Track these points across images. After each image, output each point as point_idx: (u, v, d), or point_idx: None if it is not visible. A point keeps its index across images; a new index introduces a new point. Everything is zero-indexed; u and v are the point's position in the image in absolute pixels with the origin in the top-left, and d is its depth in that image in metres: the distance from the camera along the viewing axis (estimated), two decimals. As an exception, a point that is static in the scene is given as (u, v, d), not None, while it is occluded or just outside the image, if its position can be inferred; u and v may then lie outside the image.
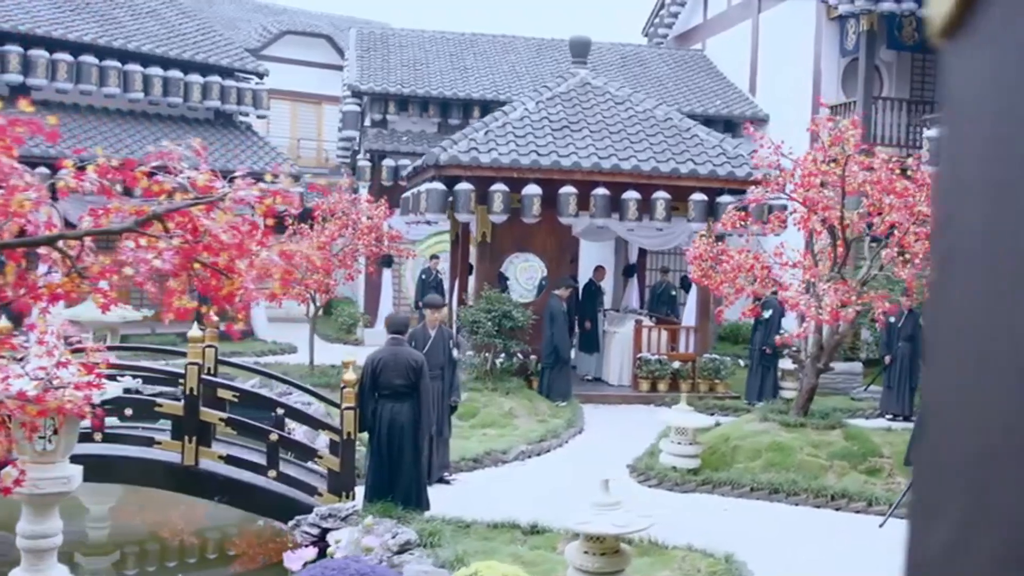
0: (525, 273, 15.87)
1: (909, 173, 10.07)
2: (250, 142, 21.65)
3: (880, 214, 10.35)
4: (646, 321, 16.65)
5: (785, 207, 11.74)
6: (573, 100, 16.29)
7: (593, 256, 21.82)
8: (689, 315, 16.34)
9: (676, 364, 15.70)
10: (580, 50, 17.16)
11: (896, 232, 10.36)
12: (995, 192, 0.94)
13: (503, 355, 14.41)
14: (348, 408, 8.93)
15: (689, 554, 8.06)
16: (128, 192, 6.19)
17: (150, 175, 5.52)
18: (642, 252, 20.08)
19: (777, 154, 10.52)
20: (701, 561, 7.92)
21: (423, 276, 20.78)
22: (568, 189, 14.60)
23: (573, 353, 17.18)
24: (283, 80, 31.74)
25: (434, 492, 10.14)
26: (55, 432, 6.99)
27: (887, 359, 14.46)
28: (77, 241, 5.00)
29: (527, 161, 14.61)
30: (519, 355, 14.67)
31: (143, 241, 4.92)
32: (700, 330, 16.13)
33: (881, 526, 8.10)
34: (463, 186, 14.50)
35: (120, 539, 11.86)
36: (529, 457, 11.81)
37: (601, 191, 14.73)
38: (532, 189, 14.57)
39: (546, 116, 15.71)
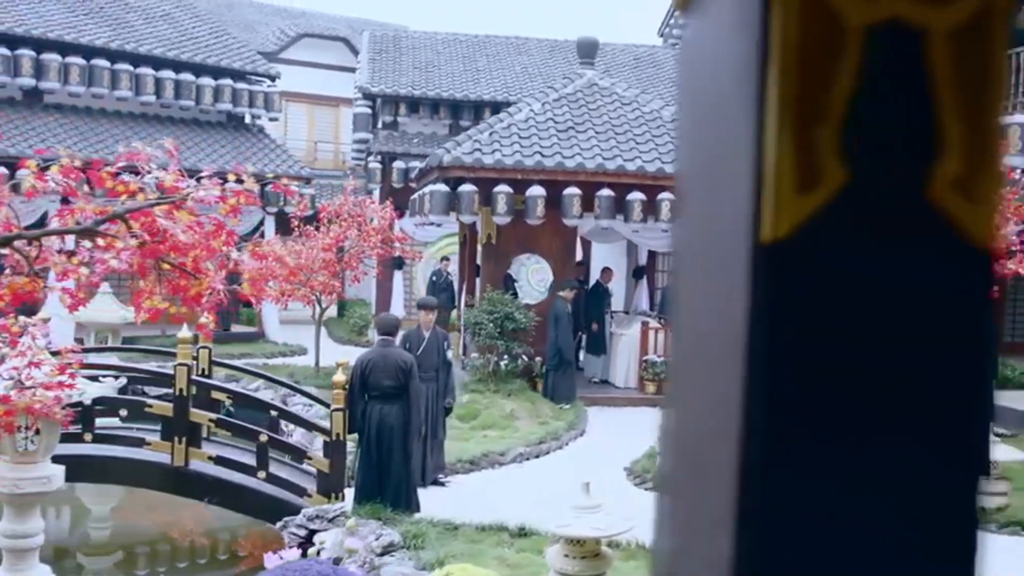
0: (537, 275, 15.82)
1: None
2: (261, 144, 21.74)
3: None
4: (652, 323, 16.54)
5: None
6: (579, 101, 16.23)
7: (604, 258, 21.74)
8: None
9: (682, 366, 15.56)
10: (588, 51, 17.10)
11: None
12: (704, 175, 0.89)
13: (507, 357, 14.37)
14: (337, 409, 8.92)
15: (676, 558, 7.96)
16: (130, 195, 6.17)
17: (116, 175, 5.52)
18: (652, 254, 19.98)
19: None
20: (688, 565, 7.82)
21: (434, 278, 20.78)
22: (572, 190, 14.53)
23: (581, 355, 17.13)
24: (300, 83, 31.88)
25: (428, 494, 10.10)
26: (37, 432, 7.02)
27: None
28: (36, 242, 5.01)
29: (531, 162, 14.56)
30: (524, 357, 14.62)
31: (101, 241, 4.92)
32: (707, 332, 16.00)
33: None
34: (466, 187, 14.46)
35: (122, 540, 11.92)
36: (527, 459, 11.75)
37: (606, 192, 14.65)
38: (536, 190, 14.51)
39: (551, 117, 15.65)
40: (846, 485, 0.68)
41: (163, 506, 11.69)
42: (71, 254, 4.91)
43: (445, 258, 20.79)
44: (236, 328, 21.36)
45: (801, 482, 0.68)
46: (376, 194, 21.57)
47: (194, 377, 9.64)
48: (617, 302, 20.49)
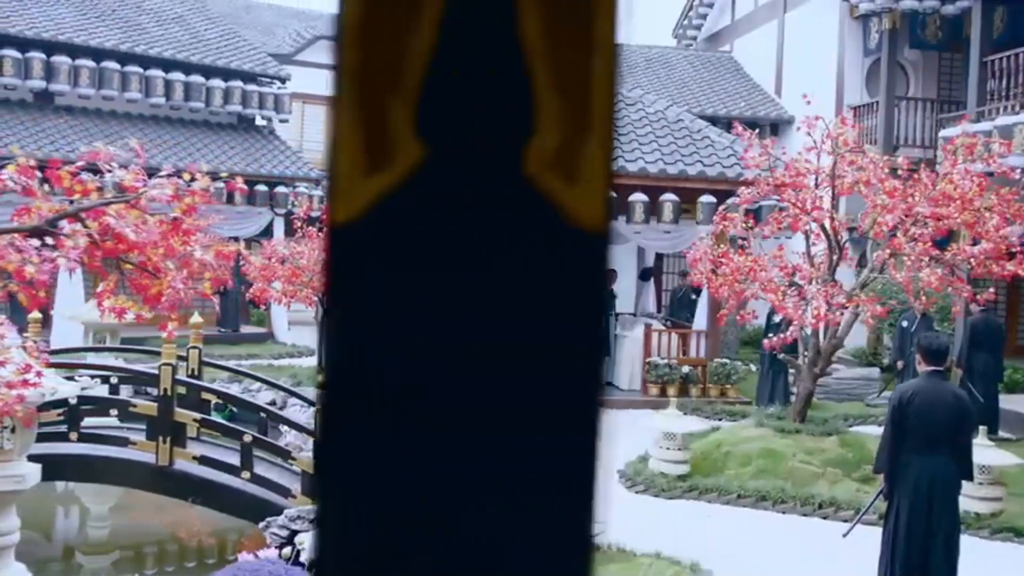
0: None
1: (899, 172, 9.83)
2: (271, 146, 21.82)
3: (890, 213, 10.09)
4: (656, 325, 16.45)
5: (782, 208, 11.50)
6: (583, 102, 16.14)
7: (615, 260, 21.65)
8: (700, 319, 16.11)
9: (686, 369, 15.47)
10: (592, 51, 17.02)
11: (897, 233, 10.10)
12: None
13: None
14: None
15: (656, 562, 7.90)
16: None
17: (75, 175, 5.53)
18: (659, 256, 19.87)
19: (766, 154, 10.30)
20: (667, 569, 7.76)
21: (442, 279, 20.78)
22: (573, 191, 14.44)
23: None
24: (317, 85, 31.97)
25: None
26: (12, 430, 7.04)
27: (899, 365, 14.10)
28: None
29: (531, 163, 14.49)
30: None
31: (50, 240, 4.92)
32: (711, 335, 15.90)
33: (845, 535, 7.86)
34: (467, 188, 14.42)
35: (123, 539, 11.97)
36: (521, 461, 11.66)
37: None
38: (536, 191, 14.44)
39: (554, 118, 15.58)
40: (426, 470, 0.63)
41: (172, 506, 11.70)
42: (19, 251, 4.92)
43: (454, 259, 20.78)
44: (246, 329, 21.46)
45: (366, 463, 0.64)
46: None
47: (181, 377, 9.64)
48: (626, 304, 20.40)
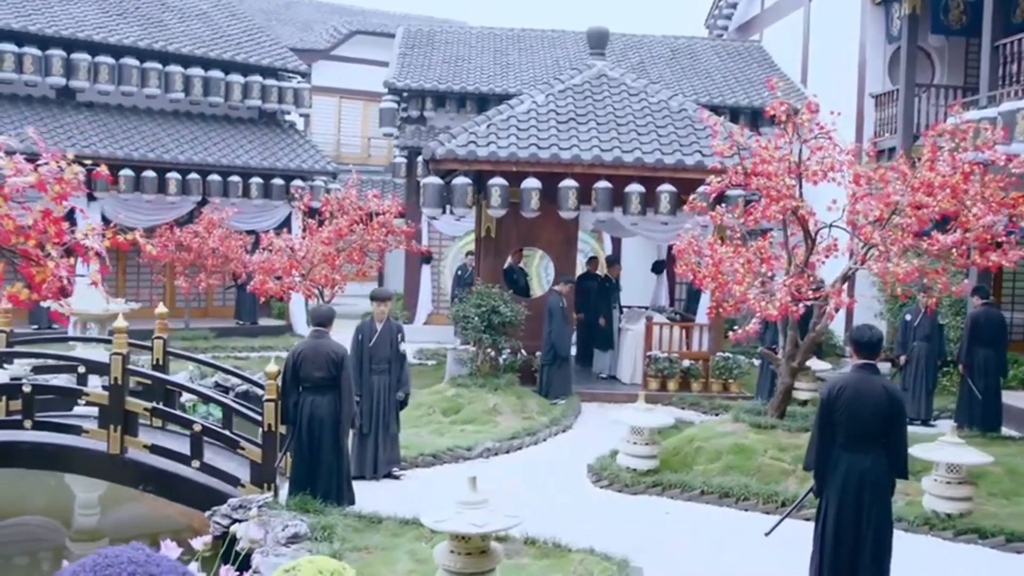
0: (563, 269, 15.63)
1: (866, 157, 9.49)
2: (290, 140, 21.96)
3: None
4: (657, 318, 16.18)
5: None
6: (585, 92, 15.95)
7: (632, 253, 21.41)
8: (703, 313, 15.80)
9: (686, 363, 15.20)
10: (598, 41, 16.80)
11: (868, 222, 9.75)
12: None
13: (506, 351, 14.21)
14: (269, 400, 8.90)
15: (588, 557, 7.72)
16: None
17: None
18: (672, 248, 19.55)
19: (733, 141, 10.03)
20: (596, 565, 7.58)
21: (459, 272, 20.76)
22: (568, 183, 14.28)
23: (595, 351, 16.88)
24: (354, 79, 32.24)
25: (378, 487, 10.03)
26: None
27: (901, 359, 13.68)
28: None
29: (525, 154, 14.35)
30: (522, 352, 14.46)
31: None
32: (714, 328, 15.59)
33: (767, 534, 7.59)
34: (459, 180, 14.34)
35: (109, 527, 12.14)
36: (495, 455, 11.56)
37: (602, 184, 14.36)
38: (531, 183, 14.31)
39: (553, 109, 15.42)
40: None
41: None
42: None
43: (470, 252, 20.71)
44: (265, 322, 21.66)
45: None
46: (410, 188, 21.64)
47: (143, 368, 9.71)
48: (641, 297, 20.14)
